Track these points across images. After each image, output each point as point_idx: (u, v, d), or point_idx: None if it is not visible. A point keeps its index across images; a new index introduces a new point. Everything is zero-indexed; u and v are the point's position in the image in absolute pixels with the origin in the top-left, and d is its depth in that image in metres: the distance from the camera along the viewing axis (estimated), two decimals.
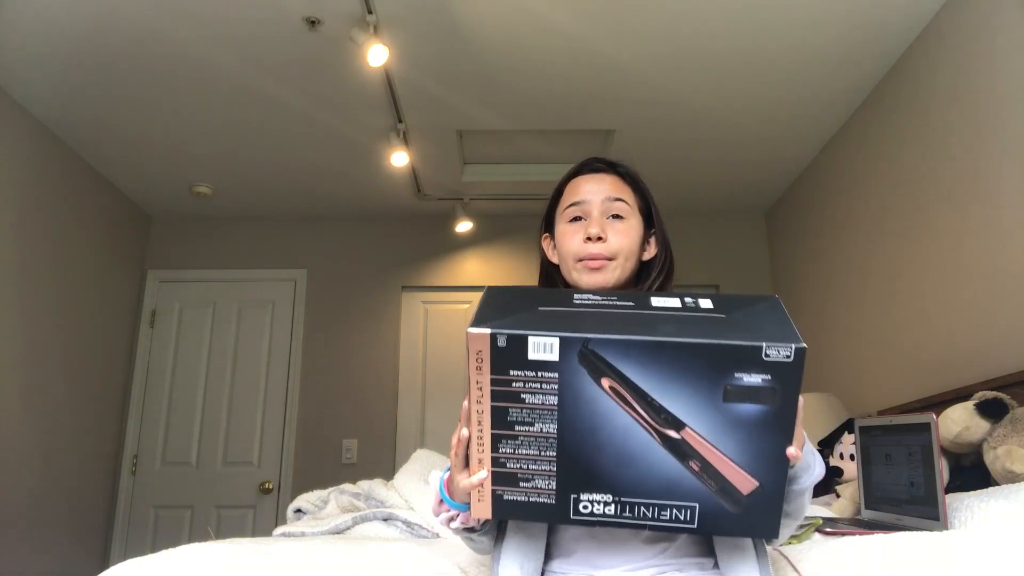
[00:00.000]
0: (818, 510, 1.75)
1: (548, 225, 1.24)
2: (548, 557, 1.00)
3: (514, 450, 0.80)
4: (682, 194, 3.97)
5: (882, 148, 2.91)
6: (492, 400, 0.78)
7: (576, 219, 1.16)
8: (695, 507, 0.78)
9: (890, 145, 2.85)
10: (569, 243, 1.14)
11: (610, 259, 1.12)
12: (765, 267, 4.18)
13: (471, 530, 0.98)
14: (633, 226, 1.15)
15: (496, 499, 0.82)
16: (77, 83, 2.93)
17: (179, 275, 4.20)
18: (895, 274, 2.80)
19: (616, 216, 1.15)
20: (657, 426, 0.76)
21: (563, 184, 1.22)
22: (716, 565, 0.95)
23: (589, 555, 0.98)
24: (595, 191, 1.16)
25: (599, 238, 1.11)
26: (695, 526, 0.79)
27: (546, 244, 1.25)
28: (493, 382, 0.77)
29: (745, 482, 0.77)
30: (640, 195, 1.19)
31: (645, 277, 1.18)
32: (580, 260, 1.12)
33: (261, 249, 4.26)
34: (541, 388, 0.77)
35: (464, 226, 4.03)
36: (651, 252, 1.19)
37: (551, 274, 1.23)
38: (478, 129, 3.38)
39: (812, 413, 2.67)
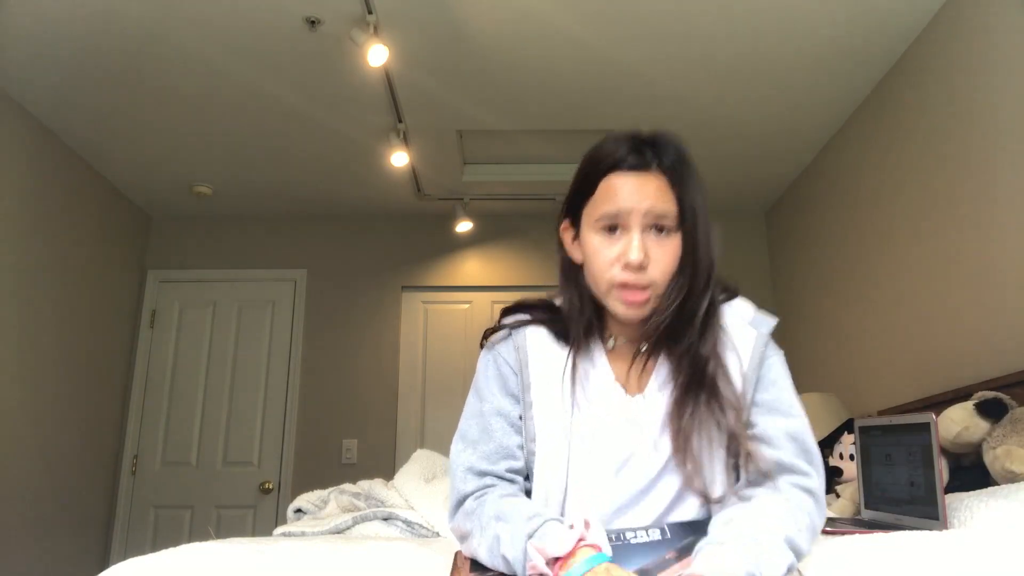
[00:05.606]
0: None
1: (572, 208, 1.05)
2: None
3: None
4: None
5: (882, 148, 2.91)
6: None
7: (610, 228, 0.97)
8: None
9: (890, 145, 2.84)
10: (602, 263, 0.97)
11: (649, 289, 0.96)
12: (765, 267, 4.18)
13: None
14: (676, 245, 0.97)
15: None
16: (77, 83, 2.93)
17: (179, 275, 4.20)
18: (895, 274, 2.80)
19: (659, 230, 0.96)
20: None
21: (597, 174, 1.00)
22: None
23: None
24: (637, 200, 0.95)
25: (641, 266, 0.94)
26: None
27: (566, 236, 1.07)
28: None
29: None
30: (684, 206, 0.97)
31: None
32: (616, 287, 0.97)
33: (261, 249, 4.26)
34: None
35: (464, 226, 4.03)
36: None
37: (574, 274, 1.06)
38: (478, 129, 3.38)
39: (812, 413, 2.66)
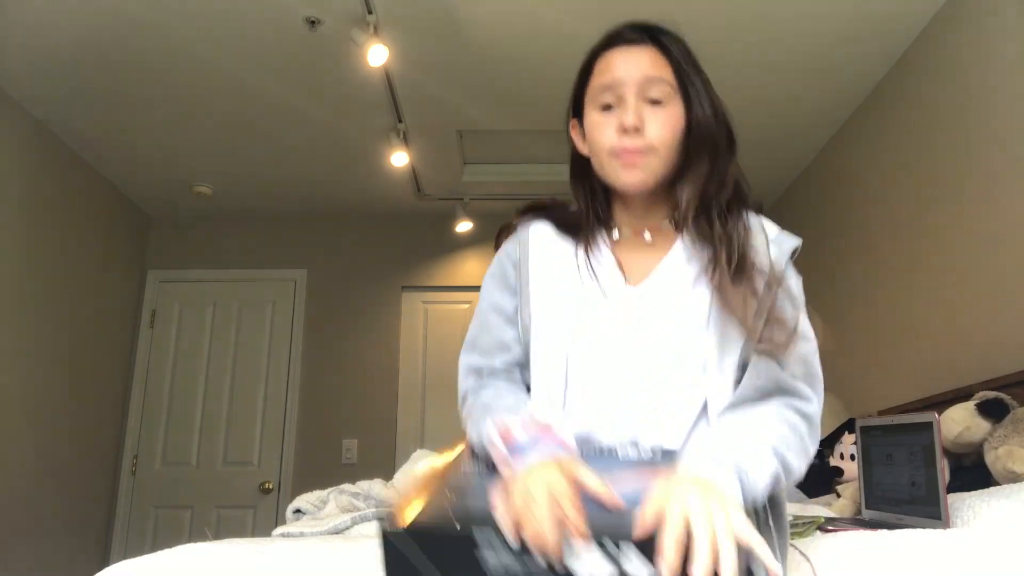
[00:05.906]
0: (819, 510, 1.75)
1: (577, 109, 1.08)
2: None
3: None
4: None
5: (883, 147, 2.91)
6: None
7: (608, 107, 1.00)
8: None
9: (891, 144, 2.84)
10: (601, 135, 0.99)
11: (647, 153, 0.97)
12: None
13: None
14: (675, 113, 1.00)
15: None
16: (77, 83, 2.93)
17: (179, 275, 4.19)
18: (896, 273, 2.79)
19: (655, 101, 0.99)
20: None
21: (592, 59, 1.06)
22: None
23: None
24: (630, 70, 1.00)
25: (636, 128, 0.96)
26: None
27: (574, 132, 1.09)
28: None
29: None
30: (681, 71, 1.02)
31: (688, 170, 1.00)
32: (614, 155, 0.98)
33: (261, 249, 4.25)
34: None
35: (464, 226, 4.03)
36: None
37: (583, 169, 1.07)
38: (478, 129, 3.38)
39: None
